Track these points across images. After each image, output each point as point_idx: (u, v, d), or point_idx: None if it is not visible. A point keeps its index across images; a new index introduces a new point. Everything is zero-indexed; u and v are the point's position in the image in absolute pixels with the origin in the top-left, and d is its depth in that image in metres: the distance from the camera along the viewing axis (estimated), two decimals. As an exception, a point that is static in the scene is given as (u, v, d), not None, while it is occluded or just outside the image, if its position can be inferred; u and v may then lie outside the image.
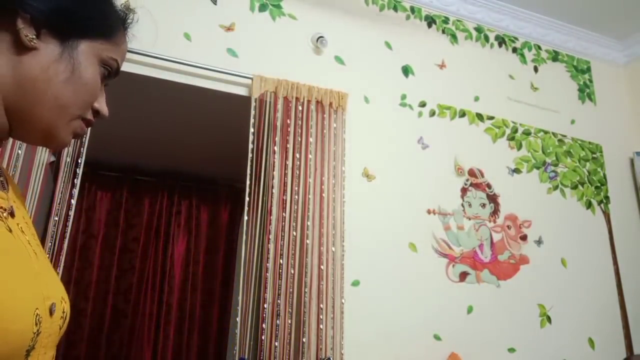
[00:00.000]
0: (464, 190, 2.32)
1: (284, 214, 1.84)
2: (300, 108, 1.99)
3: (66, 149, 1.63)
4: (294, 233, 1.84)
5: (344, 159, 2.03)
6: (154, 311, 3.62)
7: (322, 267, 1.84)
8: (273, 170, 1.87)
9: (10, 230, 0.53)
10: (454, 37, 2.55)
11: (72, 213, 1.60)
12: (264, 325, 1.72)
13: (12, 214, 0.55)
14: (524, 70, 2.69)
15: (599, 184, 2.67)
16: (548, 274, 2.37)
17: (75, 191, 1.63)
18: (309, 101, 2.02)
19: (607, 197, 2.66)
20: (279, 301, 1.75)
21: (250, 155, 1.90)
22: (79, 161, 1.65)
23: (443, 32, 2.53)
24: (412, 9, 2.49)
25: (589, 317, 2.40)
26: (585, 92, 2.83)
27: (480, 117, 2.47)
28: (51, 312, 0.53)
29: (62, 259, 1.55)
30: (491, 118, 2.49)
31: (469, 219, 2.28)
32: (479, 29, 2.63)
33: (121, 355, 3.46)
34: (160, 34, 1.89)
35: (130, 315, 3.55)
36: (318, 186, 1.93)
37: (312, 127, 2.00)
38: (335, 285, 1.86)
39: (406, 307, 2.04)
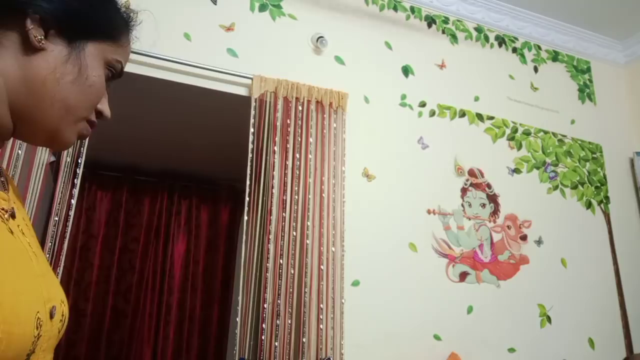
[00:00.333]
0: (464, 190, 2.32)
1: (284, 214, 1.84)
2: (300, 108, 1.99)
3: (66, 149, 1.62)
4: (294, 233, 1.84)
5: (344, 159, 2.03)
6: (154, 311, 3.62)
7: (322, 267, 1.84)
8: (273, 171, 1.87)
9: (12, 232, 0.52)
10: (454, 37, 2.55)
11: (72, 213, 1.60)
12: (264, 326, 1.72)
13: (13, 216, 0.55)
14: (524, 70, 2.69)
15: (599, 184, 2.67)
16: (548, 274, 2.37)
17: (76, 191, 1.63)
18: (308, 101, 2.02)
19: (607, 197, 2.66)
20: (279, 301, 1.75)
21: (250, 155, 1.90)
22: (79, 161, 1.65)
23: (443, 32, 2.53)
24: (412, 9, 2.49)
25: (589, 317, 2.40)
26: (585, 92, 2.83)
27: (480, 117, 2.47)
28: (51, 316, 0.53)
29: (62, 259, 1.55)
30: (491, 118, 2.49)
31: (469, 219, 2.28)
32: (479, 29, 2.63)
33: (121, 355, 3.46)
34: (160, 34, 1.89)
35: (130, 316, 3.55)
36: (318, 186, 1.93)
37: (312, 127, 1.99)
38: (335, 285, 1.86)
39: (406, 307, 2.04)
